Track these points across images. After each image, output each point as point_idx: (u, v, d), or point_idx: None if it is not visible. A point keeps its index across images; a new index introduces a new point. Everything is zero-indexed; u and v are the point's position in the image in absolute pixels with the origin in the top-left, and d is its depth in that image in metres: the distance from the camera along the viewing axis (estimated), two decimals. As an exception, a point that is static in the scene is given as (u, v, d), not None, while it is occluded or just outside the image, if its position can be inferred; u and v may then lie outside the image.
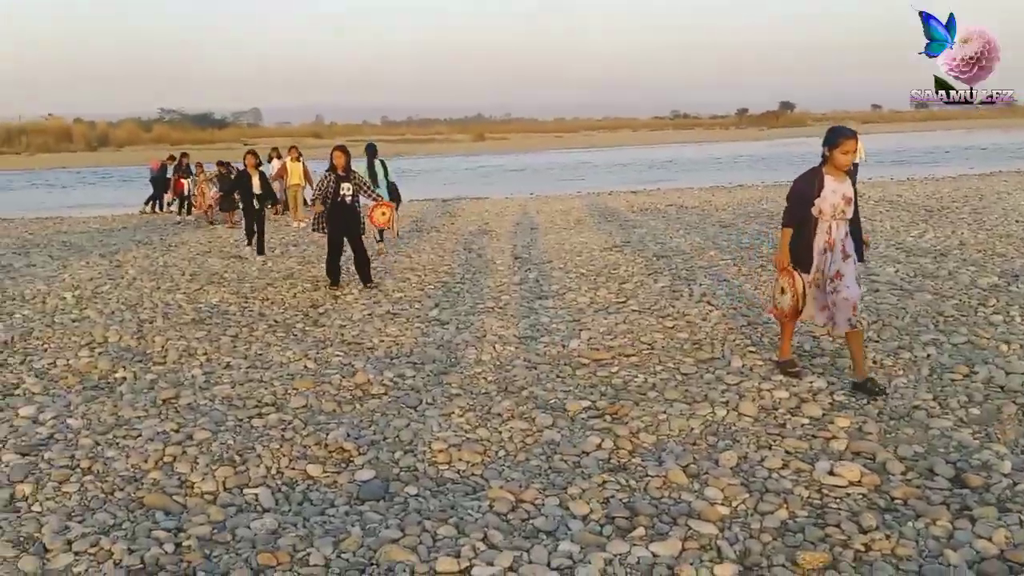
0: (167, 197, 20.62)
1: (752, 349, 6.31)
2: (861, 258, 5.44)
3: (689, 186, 26.12)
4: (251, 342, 7.09)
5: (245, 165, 12.52)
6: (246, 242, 12.60)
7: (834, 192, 5.20)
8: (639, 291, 8.68)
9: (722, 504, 3.82)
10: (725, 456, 4.31)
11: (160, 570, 3.37)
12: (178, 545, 3.56)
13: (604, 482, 4.07)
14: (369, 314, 8.11)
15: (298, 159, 17.23)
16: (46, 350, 6.89)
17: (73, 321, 7.91)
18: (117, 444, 4.73)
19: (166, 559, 3.43)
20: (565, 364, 6.18)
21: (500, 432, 4.83)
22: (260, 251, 12.10)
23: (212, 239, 14.67)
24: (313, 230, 9.58)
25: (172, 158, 20.33)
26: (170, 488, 4.16)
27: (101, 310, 8.40)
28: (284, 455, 4.54)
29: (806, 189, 5.26)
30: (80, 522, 3.79)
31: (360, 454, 4.55)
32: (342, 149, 9.40)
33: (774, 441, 4.53)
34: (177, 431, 4.91)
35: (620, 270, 9.99)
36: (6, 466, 4.41)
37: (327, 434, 4.80)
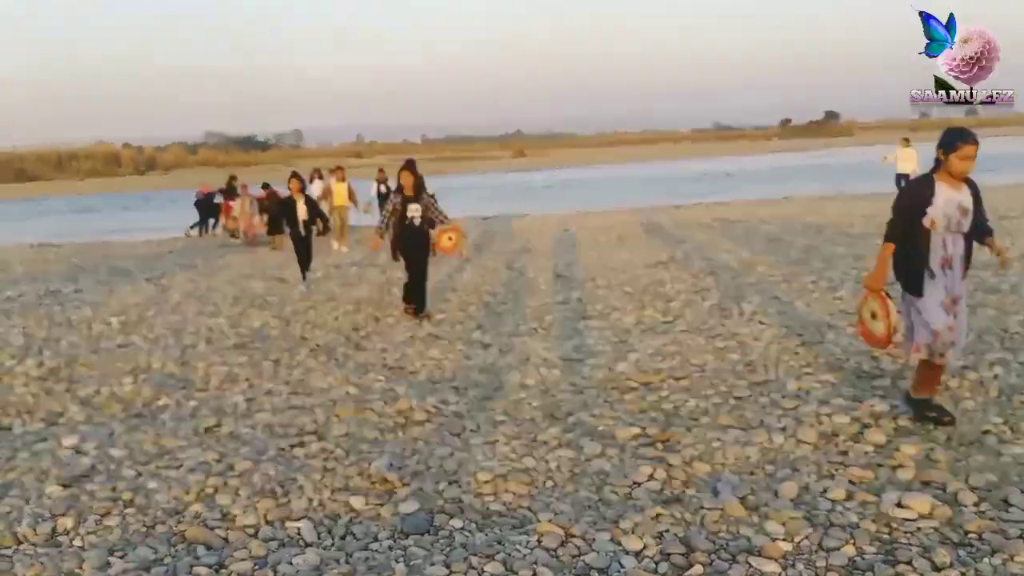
0: (222, 221, 20.67)
1: (808, 371, 6.07)
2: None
3: (733, 199, 25.74)
4: (292, 367, 7.04)
5: (289, 190, 11.99)
6: (302, 277, 11.55)
7: (948, 201, 4.61)
8: (687, 310, 8.47)
9: (784, 539, 3.61)
10: (785, 487, 4.10)
11: (200, 610, 3.27)
12: (218, 583, 3.46)
13: (658, 515, 3.89)
14: (411, 336, 8.02)
15: (343, 179, 17.12)
16: (91, 377, 6.91)
17: (118, 347, 7.95)
18: (159, 475, 4.67)
19: (206, 598, 3.33)
20: (613, 388, 6.00)
21: (547, 461, 4.67)
22: (303, 276, 11.62)
23: (255, 262, 14.77)
24: (394, 258, 9.14)
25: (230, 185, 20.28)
26: (212, 521, 4.07)
27: (146, 336, 8.44)
28: (326, 486, 4.43)
29: (916, 198, 4.68)
30: (121, 557, 3.72)
31: (403, 485, 4.42)
32: (411, 169, 8.79)
33: (836, 470, 4.30)
34: (219, 461, 4.83)
35: (666, 288, 9.79)
36: (48, 498, 4.37)
37: (369, 464, 4.68)
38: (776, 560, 3.43)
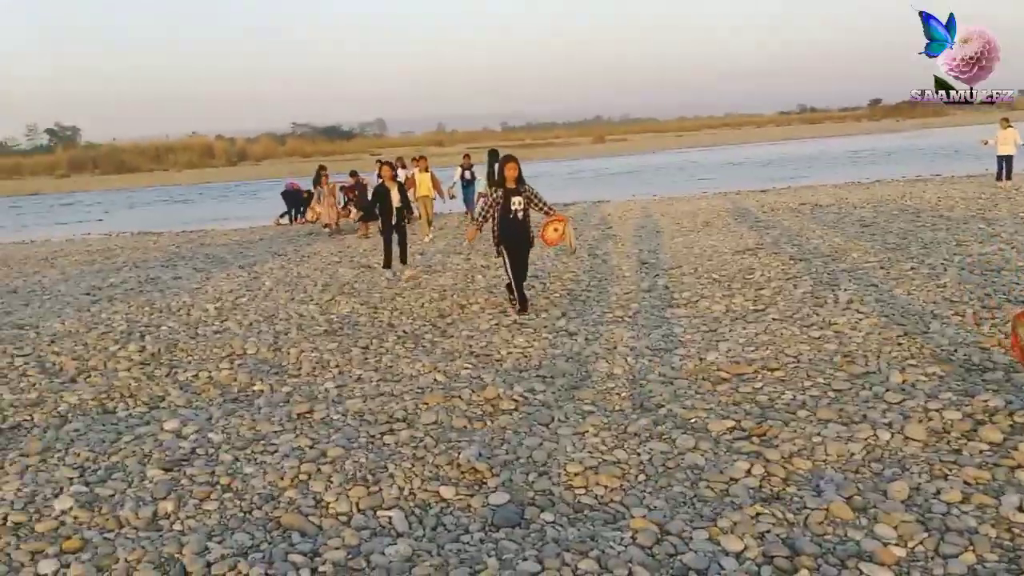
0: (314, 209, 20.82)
1: (912, 363, 5.77)
2: None
3: (822, 183, 24.85)
4: (381, 354, 7.10)
5: (381, 178, 11.87)
6: (383, 263, 11.66)
7: None
8: (778, 298, 8.19)
9: (897, 544, 3.42)
10: (894, 487, 3.89)
11: (296, 597, 3.30)
12: (314, 571, 3.49)
13: (758, 514, 3.74)
14: (496, 324, 7.99)
15: (426, 169, 16.96)
16: (189, 362, 7.13)
17: (215, 333, 8.19)
18: (255, 460, 4.76)
19: (302, 586, 3.36)
20: (704, 379, 5.83)
21: (639, 454, 4.56)
22: (403, 259, 11.61)
23: (342, 249, 15.02)
24: (497, 255, 8.84)
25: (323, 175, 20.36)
26: (306, 508, 4.12)
27: (240, 321, 8.67)
28: (416, 475, 4.43)
29: None
30: (219, 542, 3.80)
31: (493, 475, 4.38)
32: (513, 159, 8.47)
33: (950, 470, 4.06)
34: (311, 447, 4.90)
35: (755, 275, 9.50)
36: (150, 482, 4.50)
37: (459, 453, 4.67)
38: (889, 567, 3.25)
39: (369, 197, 17.71)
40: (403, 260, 11.54)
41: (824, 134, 71.72)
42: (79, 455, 4.95)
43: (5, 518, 4.14)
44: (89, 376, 6.81)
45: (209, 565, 3.56)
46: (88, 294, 11.16)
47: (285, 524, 3.96)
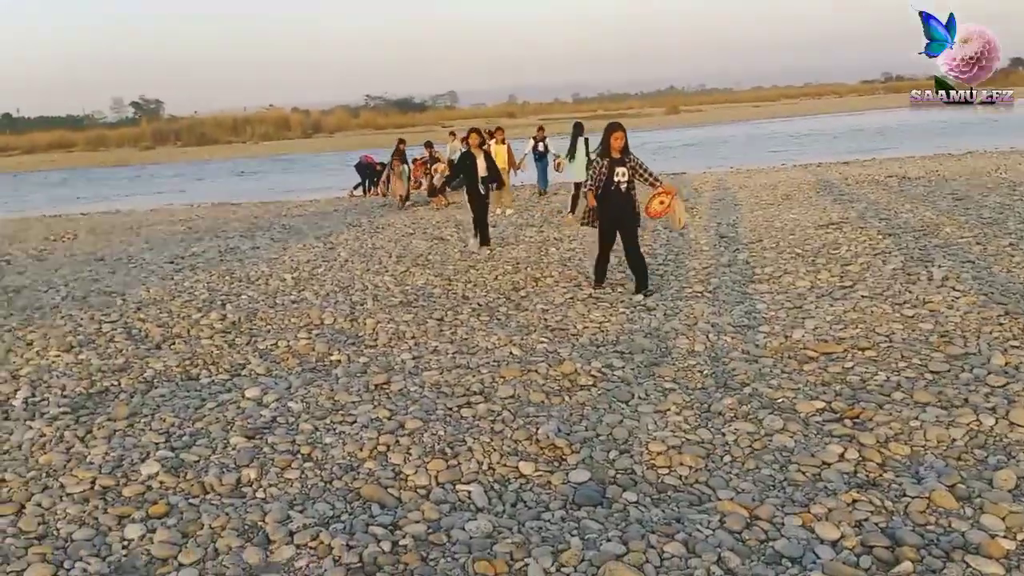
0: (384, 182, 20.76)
1: (1015, 344, 5.46)
2: None
3: (910, 155, 23.80)
4: (456, 326, 7.07)
5: (468, 145, 11.29)
6: (473, 233, 11.33)
7: None
8: (867, 274, 7.85)
9: (1005, 537, 3.21)
10: (1001, 476, 3.66)
11: (378, 570, 3.28)
12: (395, 544, 3.48)
13: (854, 501, 3.56)
14: (571, 298, 7.88)
15: (503, 141, 16.57)
16: (268, 331, 7.23)
17: (292, 303, 8.29)
18: (334, 430, 4.78)
19: (384, 559, 3.35)
20: (790, 357, 5.62)
21: (723, 434, 4.42)
22: (484, 241, 11.14)
23: (415, 220, 15.08)
24: (582, 224, 8.40)
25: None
26: (385, 480, 4.11)
27: (317, 292, 8.76)
28: (495, 449, 4.38)
29: None
30: (301, 511, 3.82)
31: (573, 452, 4.30)
32: (620, 128, 7.88)
33: (1063, 460, 3.80)
34: (389, 418, 4.90)
35: (841, 250, 9.13)
36: (234, 449, 4.57)
37: (537, 428, 4.60)
38: (998, 560, 3.05)
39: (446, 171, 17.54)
40: (484, 241, 11.17)
41: (910, 104, 68.82)
42: (165, 420, 5.06)
43: (93, 482, 4.25)
44: (173, 343, 6.97)
45: (292, 534, 3.58)
46: (171, 263, 11.46)
47: (365, 495, 3.95)
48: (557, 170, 17.78)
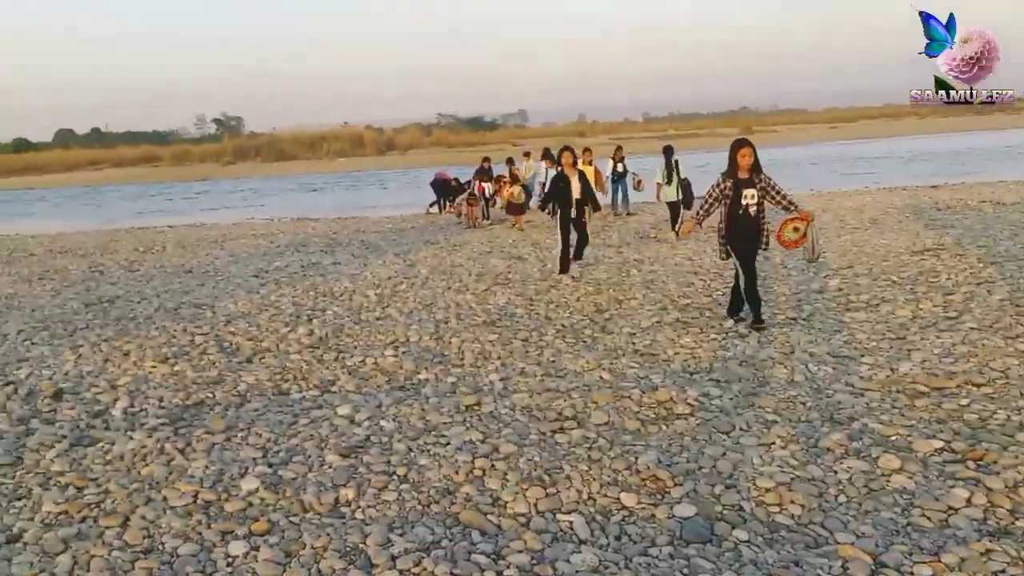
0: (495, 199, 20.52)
1: None
2: None
3: (1002, 179, 22.84)
4: (542, 347, 6.98)
5: (560, 165, 10.26)
6: (559, 269, 10.34)
7: None
8: (972, 304, 7.48)
9: None
10: None
11: (484, 602, 3.20)
12: (499, 573, 3.39)
13: (987, 551, 3.33)
14: (658, 321, 7.72)
15: (590, 162, 15.64)
16: (355, 347, 7.26)
17: (377, 319, 8.33)
18: (428, 451, 4.73)
19: (489, 589, 3.26)
20: (899, 392, 5.36)
21: (835, 472, 4.21)
22: (563, 269, 10.23)
23: (492, 239, 15.08)
24: (721, 259, 7.57)
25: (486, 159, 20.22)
26: (483, 505, 4.03)
27: (400, 309, 8.79)
28: (594, 479, 4.26)
29: None
30: (401, 535, 3.76)
31: (676, 484, 4.16)
32: (749, 144, 7.15)
33: None
34: (483, 441, 4.83)
35: (941, 278, 8.74)
36: (330, 467, 4.55)
37: (636, 458, 4.47)
38: None
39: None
40: (578, 256, 10.49)
41: (997, 126, 66.21)
42: (260, 436, 5.09)
43: (196, 495, 4.28)
44: (263, 357, 7.05)
45: (394, 559, 3.52)
46: (256, 276, 11.68)
47: (464, 521, 3.88)
48: (637, 189, 17.62)
